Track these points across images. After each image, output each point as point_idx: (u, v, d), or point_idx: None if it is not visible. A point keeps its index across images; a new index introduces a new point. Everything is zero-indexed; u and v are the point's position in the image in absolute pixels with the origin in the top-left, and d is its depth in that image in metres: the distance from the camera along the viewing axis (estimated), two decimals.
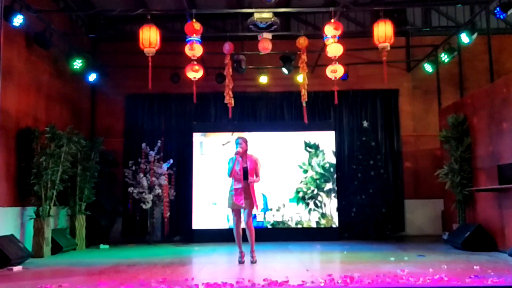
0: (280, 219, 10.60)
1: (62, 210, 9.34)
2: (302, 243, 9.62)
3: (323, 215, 10.58)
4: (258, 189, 6.91)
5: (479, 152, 8.55)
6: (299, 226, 10.57)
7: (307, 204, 10.64)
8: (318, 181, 10.71)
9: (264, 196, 10.49)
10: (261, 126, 11.33)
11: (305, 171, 10.75)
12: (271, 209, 10.61)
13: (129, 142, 11.51)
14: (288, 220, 10.60)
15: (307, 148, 10.82)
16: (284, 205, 10.64)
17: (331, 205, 10.61)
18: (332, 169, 10.74)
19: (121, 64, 11.29)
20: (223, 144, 10.72)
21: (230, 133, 10.69)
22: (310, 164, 10.77)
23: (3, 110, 7.20)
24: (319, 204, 10.63)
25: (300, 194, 10.68)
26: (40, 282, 5.10)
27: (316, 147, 10.81)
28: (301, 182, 10.72)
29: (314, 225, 10.55)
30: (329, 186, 10.68)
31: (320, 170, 10.74)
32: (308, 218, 10.59)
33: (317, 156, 10.76)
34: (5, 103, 7.36)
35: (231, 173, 6.65)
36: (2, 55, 6.41)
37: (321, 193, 10.67)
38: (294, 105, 11.39)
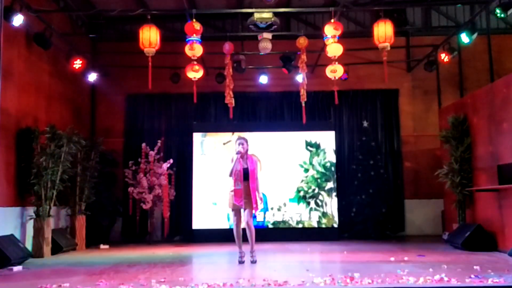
0: (280, 219, 10.60)
1: (62, 210, 9.34)
2: (302, 243, 9.62)
3: (324, 214, 10.58)
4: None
5: (479, 152, 8.55)
6: (300, 226, 10.57)
7: (308, 203, 10.64)
8: (319, 180, 10.71)
9: (264, 195, 10.46)
10: (261, 126, 11.32)
11: (306, 170, 10.75)
12: (272, 208, 10.61)
13: (129, 142, 11.52)
14: (289, 220, 10.60)
15: (308, 147, 10.82)
16: (285, 204, 10.64)
17: (332, 204, 10.61)
18: (333, 168, 10.74)
19: (121, 64, 11.28)
20: (224, 144, 10.72)
21: (231, 133, 10.69)
22: (311, 163, 10.76)
23: (3, 110, 7.20)
24: (320, 203, 10.63)
25: (301, 193, 10.67)
26: (40, 282, 5.10)
27: (317, 146, 10.81)
28: (302, 181, 10.72)
29: (315, 224, 10.55)
30: (330, 185, 10.68)
31: (321, 169, 10.73)
32: (308, 217, 10.59)
33: (318, 155, 10.76)
34: (5, 103, 7.35)
35: (230, 173, 6.65)
36: (2, 55, 6.40)
37: (322, 192, 10.67)
38: (294, 105, 11.38)
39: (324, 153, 10.79)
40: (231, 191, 6.67)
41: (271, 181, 10.38)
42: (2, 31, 6.44)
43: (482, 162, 8.46)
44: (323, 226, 10.53)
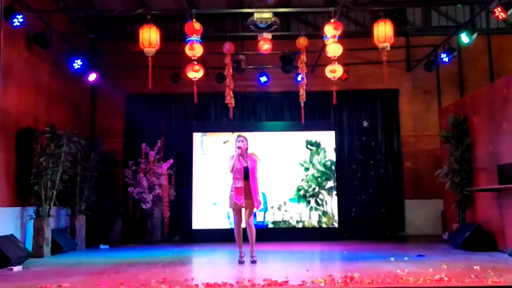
0: (280, 219, 10.60)
1: (62, 210, 9.34)
2: (302, 243, 9.62)
3: (324, 213, 10.58)
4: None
5: (479, 152, 8.55)
6: (300, 225, 10.56)
7: (308, 202, 10.63)
8: (319, 179, 10.70)
9: (263, 194, 10.45)
10: (261, 126, 11.33)
11: (306, 169, 10.74)
12: (272, 207, 10.60)
13: (129, 142, 11.52)
14: (289, 220, 10.58)
15: (308, 146, 10.82)
16: (285, 203, 10.63)
17: (332, 203, 10.61)
18: (333, 167, 10.74)
19: (121, 64, 11.28)
20: (224, 142, 10.70)
21: (230, 133, 10.67)
22: (311, 161, 10.76)
23: (3, 110, 7.20)
24: (320, 202, 10.63)
25: (301, 192, 10.67)
26: (40, 282, 5.10)
27: (317, 144, 10.81)
28: (302, 180, 10.71)
29: (315, 223, 10.54)
30: (330, 184, 10.68)
31: (321, 168, 10.73)
32: (308, 217, 10.57)
33: (318, 153, 10.76)
34: (5, 103, 7.35)
35: (232, 169, 6.65)
36: (2, 55, 6.41)
37: (322, 191, 10.66)
38: (294, 105, 11.37)
39: (325, 151, 10.78)
40: (232, 190, 6.68)
41: (271, 180, 10.36)
42: (2, 31, 6.45)
43: (482, 162, 8.46)
44: (323, 225, 10.53)
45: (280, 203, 10.64)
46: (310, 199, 10.66)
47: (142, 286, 4.84)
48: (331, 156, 10.78)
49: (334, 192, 10.65)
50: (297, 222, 10.57)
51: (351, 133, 11.57)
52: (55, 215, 8.90)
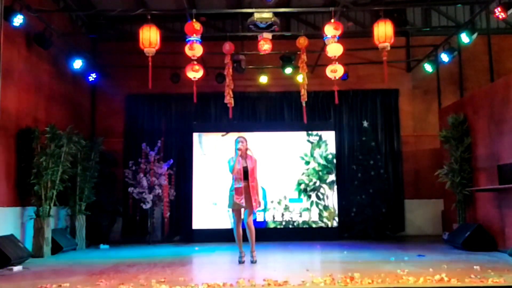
0: (280, 219, 10.59)
1: (62, 210, 9.34)
2: (302, 243, 9.62)
3: (326, 208, 10.57)
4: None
5: (479, 152, 8.55)
6: (300, 223, 10.54)
7: (309, 196, 10.63)
8: (320, 173, 10.69)
9: (263, 189, 10.41)
10: (261, 126, 11.33)
11: (307, 163, 10.74)
12: (272, 202, 10.57)
13: (129, 142, 11.52)
14: (289, 220, 10.57)
15: (309, 139, 10.80)
16: (285, 197, 10.61)
17: (333, 198, 10.61)
18: (334, 161, 10.73)
19: (121, 64, 11.29)
20: (222, 135, 10.73)
21: (221, 134, 10.68)
22: (312, 155, 10.75)
23: (3, 110, 7.21)
24: (321, 196, 10.62)
25: (302, 187, 10.66)
26: (40, 282, 5.10)
27: (318, 137, 10.79)
28: (303, 174, 10.70)
29: (316, 217, 10.52)
30: (331, 178, 10.67)
31: (322, 162, 10.72)
32: (309, 217, 10.56)
33: (319, 147, 10.75)
34: (5, 103, 7.36)
35: (233, 170, 6.67)
36: (2, 55, 6.41)
37: (324, 185, 10.65)
38: (294, 105, 11.40)
39: (326, 144, 10.77)
40: (232, 190, 6.69)
41: (271, 174, 10.34)
42: (2, 31, 6.46)
43: (482, 162, 8.46)
44: (325, 219, 10.51)
45: (280, 197, 10.63)
46: (311, 193, 10.64)
47: (142, 286, 4.84)
48: (332, 149, 10.76)
49: (335, 186, 10.63)
50: (297, 222, 10.54)
51: (351, 133, 11.57)
52: (55, 215, 8.91)
